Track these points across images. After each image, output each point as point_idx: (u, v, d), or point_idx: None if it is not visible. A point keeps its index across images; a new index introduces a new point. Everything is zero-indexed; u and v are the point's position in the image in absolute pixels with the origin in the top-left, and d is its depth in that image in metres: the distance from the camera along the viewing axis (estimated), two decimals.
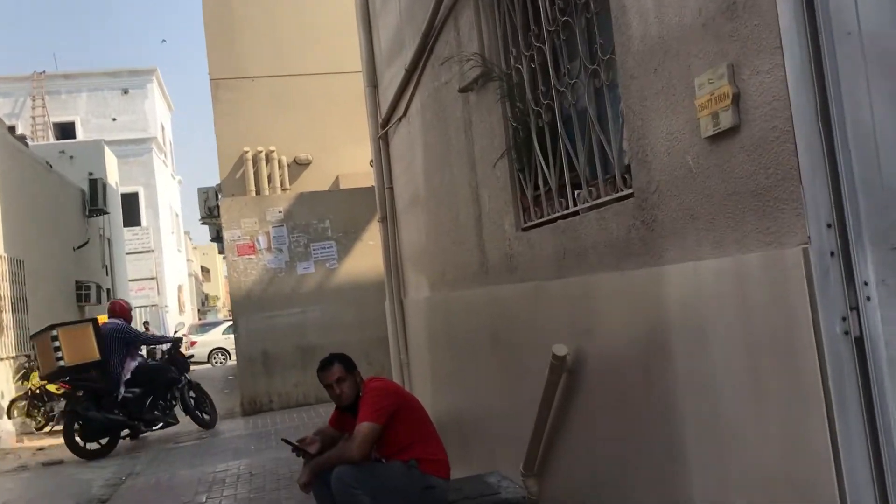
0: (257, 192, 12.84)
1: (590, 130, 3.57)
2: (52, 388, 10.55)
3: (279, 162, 13.20)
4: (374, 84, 8.04)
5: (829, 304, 2.06)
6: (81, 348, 9.05)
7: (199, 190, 16.32)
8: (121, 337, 9.61)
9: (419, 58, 6.00)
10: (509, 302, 4.60)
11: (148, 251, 34.43)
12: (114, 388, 9.35)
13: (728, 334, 2.49)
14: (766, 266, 2.28)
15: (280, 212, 11.87)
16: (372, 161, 8.22)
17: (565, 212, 3.83)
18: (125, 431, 9.55)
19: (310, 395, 11.73)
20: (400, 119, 7.11)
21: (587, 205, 3.60)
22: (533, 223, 4.23)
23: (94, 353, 9.15)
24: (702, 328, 2.64)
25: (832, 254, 2.05)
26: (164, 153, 38.72)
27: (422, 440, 4.25)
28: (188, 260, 45.57)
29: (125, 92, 36.86)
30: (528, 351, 4.32)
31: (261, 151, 13.08)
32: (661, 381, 2.95)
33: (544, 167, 4.05)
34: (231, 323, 15.84)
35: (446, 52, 5.33)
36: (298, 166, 13.43)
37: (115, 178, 25.31)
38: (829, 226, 2.06)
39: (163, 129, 39.74)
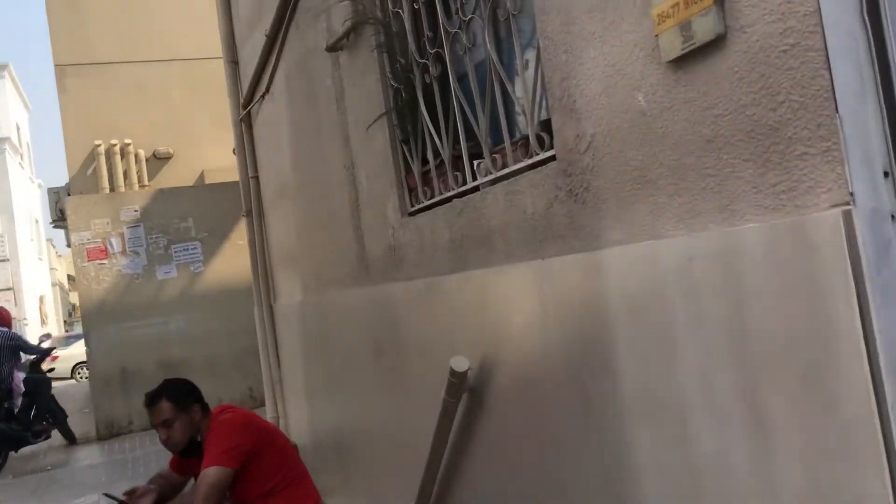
0: (112, 190, 11.52)
1: (491, 81, 2.77)
2: None
3: (136, 156, 11.90)
4: (233, 59, 7.03)
5: (889, 294, 1.32)
6: None
7: (50, 191, 14.66)
8: (11, 345, 9.03)
9: (281, 19, 5.08)
10: (395, 304, 3.77)
11: (3, 260, 31.78)
12: (7, 398, 8.79)
13: (708, 342, 1.74)
14: (774, 240, 1.53)
15: (136, 210, 10.61)
16: (235, 148, 7.21)
17: (462, 188, 3.03)
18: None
19: None
20: (263, 96, 6.15)
21: (490, 177, 2.81)
22: (422, 206, 3.41)
23: None
24: (663, 333, 1.88)
25: (894, 217, 1.32)
26: (19, 155, 35.93)
27: (287, 484, 3.35)
28: (52, 269, 42.61)
29: None
30: (421, 364, 3.50)
31: (115, 145, 11.75)
32: (599, 405, 2.19)
33: (434, 135, 3.23)
34: None
35: (312, 5, 4.44)
36: (158, 161, 12.16)
37: None
38: (886, 174, 1.33)
39: (18, 129, 36.87)
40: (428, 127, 3.26)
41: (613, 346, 2.08)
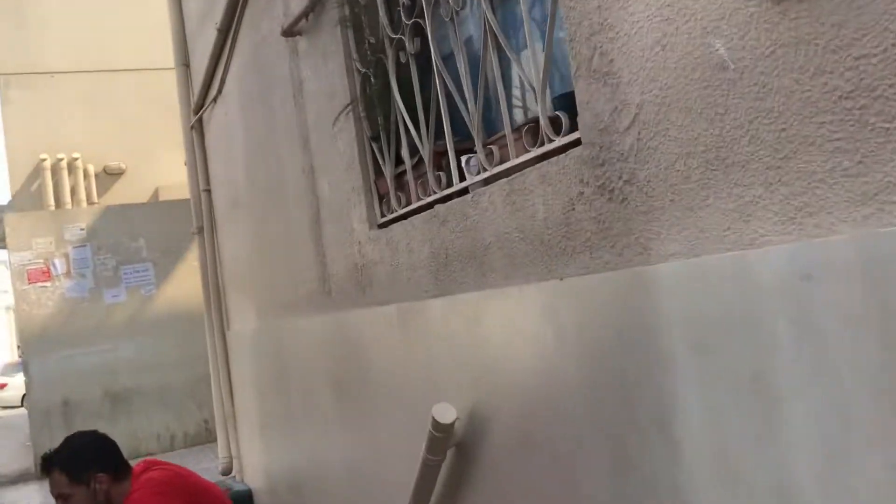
0: (58, 208, 10.75)
1: (489, 52, 2.18)
2: None
3: (85, 171, 11.16)
4: (184, 62, 6.39)
5: None
6: None
7: (6, 214, 13.82)
8: None
9: (234, 6, 4.47)
10: (361, 334, 3.14)
11: None
12: None
13: (836, 401, 1.14)
14: None
15: (82, 229, 9.85)
16: (186, 159, 6.55)
17: (447, 191, 2.43)
18: None
19: (123, 448, 9.67)
20: (214, 99, 5.51)
21: (483, 175, 2.21)
22: (395, 215, 2.80)
23: None
24: (756, 384, 1.28)
25: None
26: None
27: None
28: (3, 291, 41.20)
29: None
30: (393, 407, 2.87)
31: (62, 159, 11.00)
32: (646, 474, 1.58)
33: (411, 128, 2.63)
34: None
35: None
36: (109, 176, 11.42)
37: None
38: None
39: None
40: (403, 118, 2.66)
41: (671, 397, 1.48)
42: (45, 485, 8.90)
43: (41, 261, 9.63)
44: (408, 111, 2.62)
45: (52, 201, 10.88)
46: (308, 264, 3.79)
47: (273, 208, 4.33)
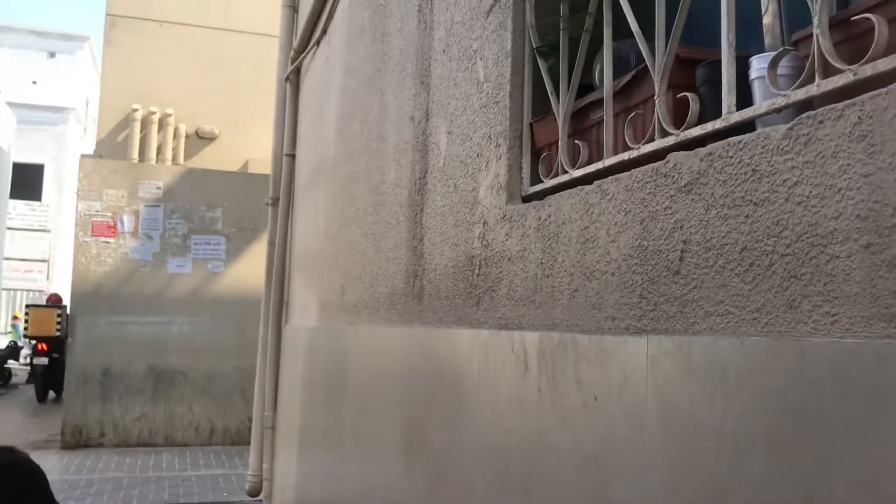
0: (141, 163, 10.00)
1: None
2: None
3: (176, 130, 10.37)
4: (292, 3, 5.40)
5: None
6: None
7: (82, 157, 13.29)
8: None
9: None
10: (463, 368, 1.96)
11: (43, 230, 30.92)
12: None
13: None
14: None
15: (158, 187, 9.02)
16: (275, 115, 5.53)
17: (701, 129, 1.23)
18: None
19: (157, 433, 8.82)
20: (318, 41, 4.47)
21: (807, 91, 1.01)
22: (564, 179, 1.62)
23: None
24: None
25: None
26: (83, 128, 35.33)
27: None
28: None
29: (52, 55, 33.56)
30: (510, 491, 1.68)
31: (154, 113, 10.23)
32: None
33: (631, 19, 1.45)
34: None
35: None
36: (200, 140, 10.61)
37: (8, 139, 22.02)
38: None
39: (87, 103, 36.32)
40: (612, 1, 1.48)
41: None
42: (67, 456, 8.01)
43: (109, 213, 8.83)
44: None
45: (136, 155, 10.12)
46: (395, 253, 2.64)
47: (362, 174, 3.21)
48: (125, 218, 8.84)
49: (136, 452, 8.47)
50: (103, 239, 8.78)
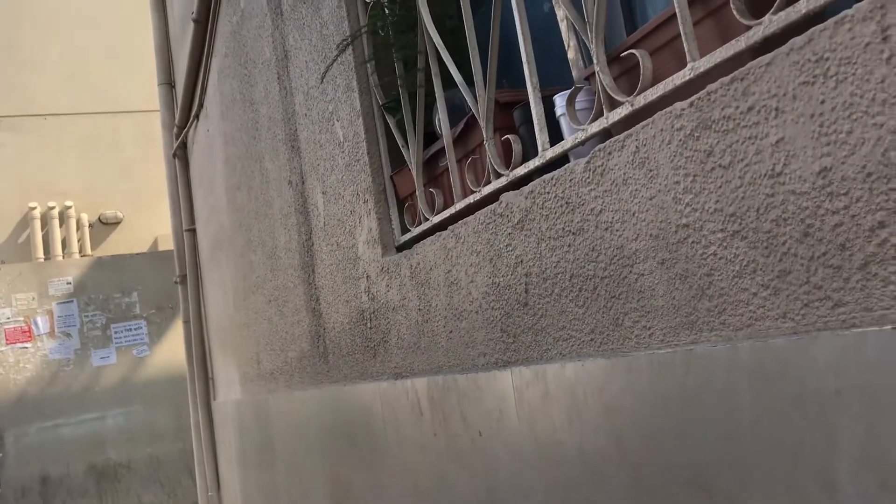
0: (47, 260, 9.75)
1: None
2: None
3: (79, 221, 10.16)
4: (168, 80, 5.41)
5: None
6: None
7: None
8: None
9: None
10: (370, 421, 2.00)
11: None
12: None
13: None
14: None
15: (69, 283, 8.80)
16: (168, 193, 5.50)
17: (525, 168, 1.31)
18: None
19: None
20: (197, 115, 4.48)
21: (605, 120, 1.10)
22: (427, 226, 1.69)
23: None
24: None
25: None
26: None
27: None
28: None
29: None
30: None
31: (53, 208, 10.02)
32: None
33: (453, 71, 1.53)
34: None
35: None
36: (105, 226, 10.42)
37: None
38: None
39: None
40: (438, 53, 1.56)
41: None
42: None
43: (21, 318, 8.57)
44: (447, 42, 1.52)
45: (41, 253, 9.89)
46: (297, 316, 2.67)
47: (256, 242, 3.23)
48: (39, 320, 8.60)
49: None
50: (19, 345, 8.52)
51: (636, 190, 0.99)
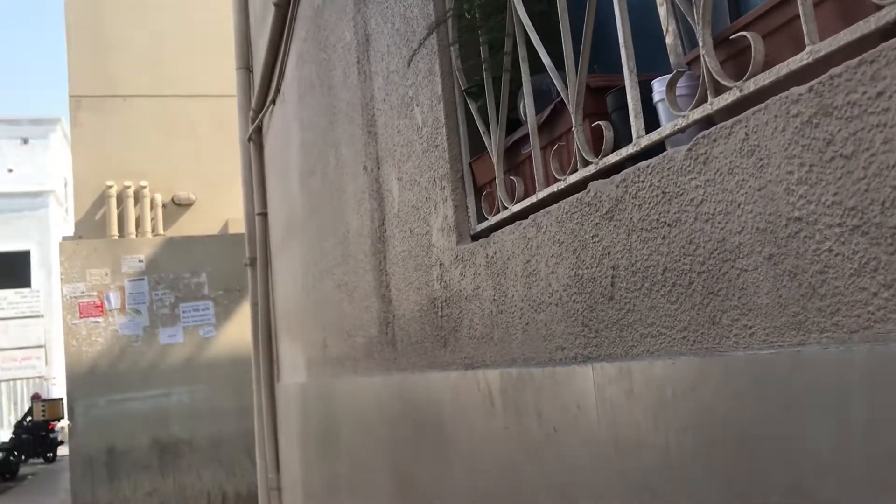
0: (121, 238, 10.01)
1: None
2: None
3: (152, 201, 10.41)
4: (246, 65, 5.48)
5: None
6: None
7: (62, 241, 13.27)
8: None
9: None
10: (438, 411, 1.97)
11: (36, 316, 30.77)
12: None
13: None
14: None
15: (140, 260, 9.03)
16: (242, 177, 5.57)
17: (616, 156, 1.26)
18: None
19: None
20: (274, 99, 4.52)
21: (707, 108, 1.04)
22: (505, 214, 1.65)
23: None
24: None
25: None
26: (64, 209, 35.35)
27: None
28: None
29: (25, 142, 33.65)
30: None
31: (129, 187, 10.28)
32: None
33: (543, 55, 1.48)
34: None
35: None
36: (178, 207, 10.64)
37: None
38: None
39: (66, 184, 36.39)
40: (527, 37, 1.52)
41: None
42: None
43: (94, 293, 8.83)
44: (538, 23, 1.48)
45: (115, 231, 10.14)
46: (366, 302, 2.66)
47: (328, 227, 3.24)
48: (111, 295, 8.84)
49: None
50: (92, 319, 8.77)
51: (743, 180, 0.93)
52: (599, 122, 1.28)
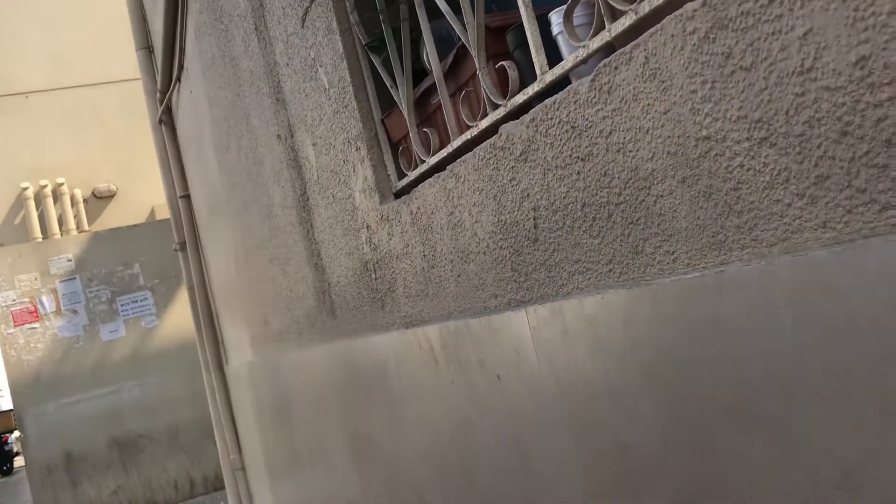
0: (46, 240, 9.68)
1: None
2: None
3: (72, 197, 10.06)
4: (145, 45, 5.27)
5: None
6: None
7: None
8: None
9: None
10: (383, 373, 1.95)
11: None
12: None
13: None
14: None
15: (69, 260, 8.74)
16: (159, 161, 5.40)
17: (522, 95, 1.23)
18: None
19: (137, 501, 8.63)
20: (179, 77, 4.36)
21: (608, 33, 1.02)
22: (424, 168, 1.61)
23: None
24: None
25: None
26: None
27: None
28: None
29: None
30: (447, 490, 1.68)
31: (45, 186, 9.91)
32: None
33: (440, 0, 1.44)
34: None
35: None
36: (99, 200, 10.33)
37: None
38: None
39: None
40: None
41: None
42: None
43: (27, 299, 8.54)
44: None
45: (38, 233, 9.82)
46: (300, 273, 2.61)
47: (251, 201, 3.16)
48: (44, 299, 8.57)
49: None
50: (28, 326, 8.50)
51: (648, 105, 0.91)
52: (503, 63, 1.24)
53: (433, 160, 1.56)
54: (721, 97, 0.81)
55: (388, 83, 1.70)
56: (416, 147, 1.61)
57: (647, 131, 0.92)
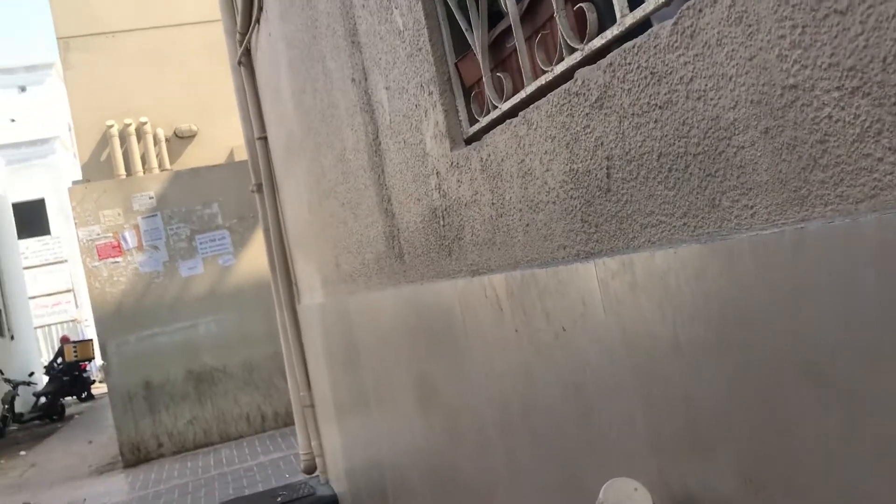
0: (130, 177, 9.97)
1: None
2: None
3: (155, 136, 10.30)
4: None
5: None
6: None
7: (71, 186, 13.26)
8: None
9: None
10: (449, 319, 1.95)
11: (60, 262, 31.08)
12: None
13: None
14: None
15: (151, 197, 9.01)
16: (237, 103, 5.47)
17: (601, 39, 1.18)
18: None
19: (211, 432, 8.98)
20: (258, 19, 4.39)
21: None
22: (497, 114, 1.58)
23: None
24: None
25: None
26: (73, 153, 35.28)
27: None
28: None
29: (23, 89, 33.24)
30: (506, 436, 1.69)
31: (129, 125, 10.16)
32: None
33: None
34: None
35: None
36: (181, 140, 10.54)
37: (2, 183, 21.99)
38: None
39: (70, 127, 36.19)
40: None
41: None
42: (132, 474, 8.21)
43: (110, 234, 8.86)
44: None
45: (122, 170, 10.10)
46: (371, 217, 2.62)
47: (325, 144, 3.18)
48: (127, 235, 8.87)
49: (196, 455, 8.64)
50: (111, 260, 8.83)
51: (733, 50, 0.86)
52: (581, 5, 1.20)
53: (506, 106, 1.52)
54: (811, 43, 0.76)
55: (462, 25, 1.66)
56: (489, 92, 1.58)
57: (731, 78, 0.87)
